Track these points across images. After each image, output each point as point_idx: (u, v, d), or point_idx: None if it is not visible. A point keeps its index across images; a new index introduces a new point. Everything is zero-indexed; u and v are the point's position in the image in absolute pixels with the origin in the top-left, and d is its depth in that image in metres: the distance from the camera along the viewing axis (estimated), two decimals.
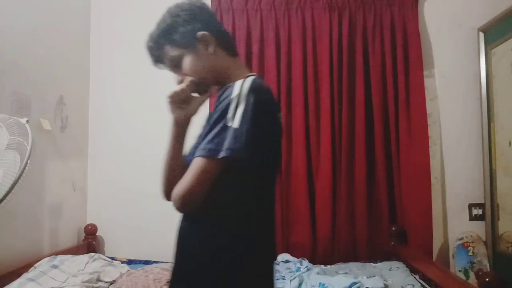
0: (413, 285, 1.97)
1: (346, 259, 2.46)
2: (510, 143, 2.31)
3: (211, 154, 0.92)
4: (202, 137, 0.99)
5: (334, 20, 2.63)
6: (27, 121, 1.55)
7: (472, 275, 2.45)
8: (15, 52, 2.08)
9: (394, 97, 2.59)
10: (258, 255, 1.03)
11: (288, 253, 2.47)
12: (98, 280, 2.04)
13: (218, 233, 0.99)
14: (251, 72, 1.10)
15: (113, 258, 2.44)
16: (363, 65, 2.61)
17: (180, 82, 1.09)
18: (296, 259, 2.38)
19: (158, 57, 1.12)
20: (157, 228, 2.69)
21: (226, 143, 0.91)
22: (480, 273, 2.35)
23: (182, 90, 1.07)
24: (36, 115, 2.21)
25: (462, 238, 2.54)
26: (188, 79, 1.08)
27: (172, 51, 1.09)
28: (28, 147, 1.42)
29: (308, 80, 2.62)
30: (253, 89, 0.95)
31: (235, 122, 0.92)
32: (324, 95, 2.60)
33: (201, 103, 1.11)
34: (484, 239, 2.54)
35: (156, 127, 2.72)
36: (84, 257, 2.22)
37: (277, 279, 2.09)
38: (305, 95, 2.62)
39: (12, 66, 2.05)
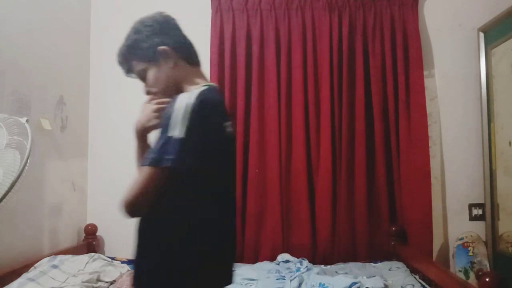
0: (413, 285, 1.97)
1: (346, 259, 2.47)
2: (510, 143, 2.31)
3: (155, 163, 0.96)
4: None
5: (334, 20, 2.63)
6: (27, 121, 1.55)
7: (472, 275, 2.45)
8: (15, 52, 2.08)
9: (394, 97, 2.59)
10: (208, 262, 1.05)
11: (288, 253, 2.47)
12: (98, 280, 2.04)
13: (167, 239, 1.03)
14: (208, 82, 1.15)
15: (113, 258, 2.44)
16: (363, 65, 2.61)
17: (147, 93, 1.18)
18: (296, 259, 2.38)
19: (128, 70, 1.22)
20: None
21: (169, 153, 0.95)
22: (480, 273, 2.34)
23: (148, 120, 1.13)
24: (36, 115, 2.21)
25: (462, 238, 2.54)
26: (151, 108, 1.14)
27: (138, 66, 1.18)
28: (28, 146, 1.42)
29: (308, 80, 2.62)
30: (197, 100, 1.00)
31: (178, 132, 0.96)
32: (324, 95, 2.60)
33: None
34: (484, 239, 2.54)
35: None
36: (84, 257, 2.22)
37: (277, 279, 2.10)
38: (305, 95, 2.61)
39: (12, 66, 2.05)
